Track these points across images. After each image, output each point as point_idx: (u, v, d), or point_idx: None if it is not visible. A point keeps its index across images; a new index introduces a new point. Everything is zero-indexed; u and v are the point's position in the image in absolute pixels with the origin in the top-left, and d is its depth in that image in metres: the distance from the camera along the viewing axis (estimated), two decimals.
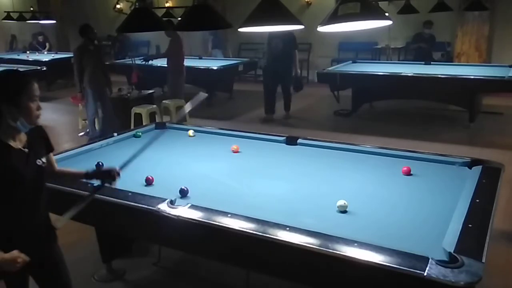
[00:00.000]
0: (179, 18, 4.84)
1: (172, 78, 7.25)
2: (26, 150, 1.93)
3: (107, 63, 7.78)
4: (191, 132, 3.83)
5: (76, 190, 2.55)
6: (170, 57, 7.27)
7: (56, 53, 11.47)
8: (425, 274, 1.67)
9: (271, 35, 7.09)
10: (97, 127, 6.54)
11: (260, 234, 2.03)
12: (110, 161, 3.10)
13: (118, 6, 12.64)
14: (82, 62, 6.27)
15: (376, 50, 10.20)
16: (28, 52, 11.87)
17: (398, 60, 9.40)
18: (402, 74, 6.83)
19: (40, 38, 12.23)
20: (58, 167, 2.22)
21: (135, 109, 6.20)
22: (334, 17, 2.33)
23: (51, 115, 8.45)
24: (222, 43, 11.06)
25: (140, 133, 3.80)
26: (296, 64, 7.41)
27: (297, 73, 7.50)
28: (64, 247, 2.18)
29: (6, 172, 1.83)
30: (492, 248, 1.94)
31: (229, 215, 2.18)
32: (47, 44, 12.21)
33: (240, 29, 2.65)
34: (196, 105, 2.42)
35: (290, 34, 7.02)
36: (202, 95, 2.48)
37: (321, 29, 2.47)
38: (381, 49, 9.98)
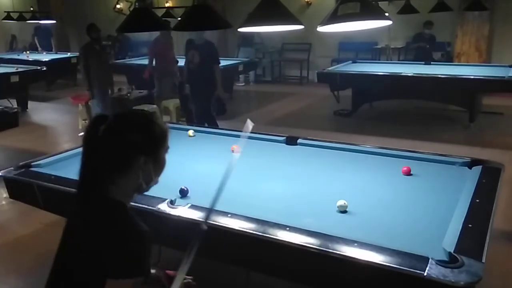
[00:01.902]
0: (179, 18, 4.84)
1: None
2: None
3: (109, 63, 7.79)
4: (191, 132, 3.83)
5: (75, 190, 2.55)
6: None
7: (56, 53, 11.46)
8: (425, 274, 1.67)
9: (188, 44, 5.97)
10: None
11: (260, 234, 2.04)
12: None
13: (118, 6, 12.66)
14: (88, 61, 6.28)
15: (376, 50, 10.20)
16: (28, 52, 11.85)
17: (398, 60, 9.40)
18: (402, 74, 6.83)
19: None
20: None
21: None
22: (334, 17, 2.33)
23: (51, 115, 8.46)
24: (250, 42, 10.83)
25: None
26: (218, 82, 5.88)
27: (220, 93, 6.01)
28: None
29: None
30: (492, 248, 1.93)
31: (229, 215, 2.18)
32: (52, 40, 12.18)
33: (240, 29, 2.65)
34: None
35: (209, 44, 5.90)
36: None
37: (321, 29, 2.47)
38: (381, 49, 9.98)
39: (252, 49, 10.65)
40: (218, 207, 2.23)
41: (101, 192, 1.37)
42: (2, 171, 2.93)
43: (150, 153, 1.41)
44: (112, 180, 1.37)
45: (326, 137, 4.12)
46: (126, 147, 1.37)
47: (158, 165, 1.46)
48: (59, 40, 12.70)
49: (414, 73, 6.80)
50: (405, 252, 1.80)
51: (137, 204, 2.35)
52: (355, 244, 1.89)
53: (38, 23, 11.32)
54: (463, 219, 2.10)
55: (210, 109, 5.98)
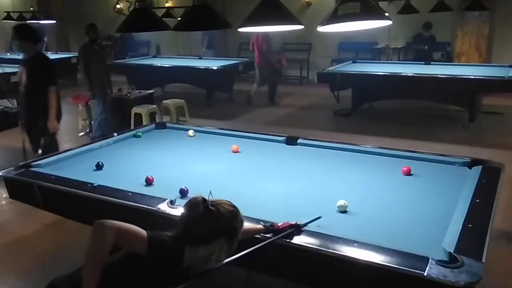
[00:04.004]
0: (179, 18, 4.83)
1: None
2: None
3: (108, 63, 7.78)
4: (191, 132, 3.83)
5: (75, 190, 2.56)
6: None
7: (56, 53, 11.45)
8: (425, 274, 1.67)
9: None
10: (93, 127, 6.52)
11: (262, 235, 2.03)
12: (110, 161, 3.11)
13: (118, 6, 12.65)
14: (87, 61, 6.28)
15: (376, 50, 10.20)
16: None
17: (398, 60, 9.40)
18: (402, 74, 6.83)
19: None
20: None
21: (135, 109, 6.20)
22: (334, 17, 2.33)
23: None
24: (215, 43, 11.06)
25: (140, 133, 3.80)
26: (51, 111, 4.26)
27: (51, 126, 4.31)
28: (63, 247, 2.18)
29: None
30: (492, 248, 1.93)
31: None
32: (45, 39, 12.15)
33: (240, 29, 2.65)
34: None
35: (41, 59, 4.36)
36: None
37: (321, 29, 2.47)
38: (381, 49, 9.98)
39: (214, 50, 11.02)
40: None
41: (179, 245, 1.72)
42: (2, 171, 2.93)
43: (231, 238, 1.77)
44: (193, 244, 1.72)
45: (326, 137, 4.12)
46: (216, 229, 1.74)
47: (231, 248, 1.79)
48: (59, 40, 12.69)
49: (414, 73, 6.79)
50: (405, 252, 1.80)
51: (137, 204, 2.35)
52: (355, 244, 1.89)
53: (38, 23, 11.30)
54: (463, 219, 2.10)
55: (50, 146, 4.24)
